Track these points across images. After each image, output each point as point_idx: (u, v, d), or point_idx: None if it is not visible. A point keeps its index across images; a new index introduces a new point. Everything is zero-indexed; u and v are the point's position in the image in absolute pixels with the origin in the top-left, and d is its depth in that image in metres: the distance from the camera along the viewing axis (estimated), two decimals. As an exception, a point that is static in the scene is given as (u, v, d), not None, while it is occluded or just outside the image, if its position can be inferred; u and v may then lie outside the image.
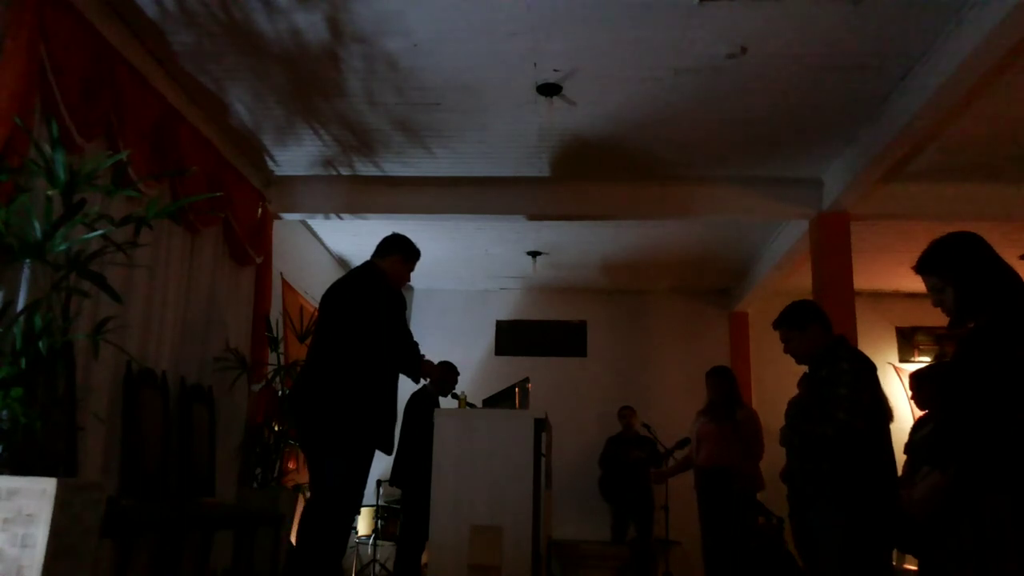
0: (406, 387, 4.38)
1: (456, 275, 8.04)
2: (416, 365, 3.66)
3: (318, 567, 3.29)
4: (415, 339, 3.76)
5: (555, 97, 4.41)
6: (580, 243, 6.99)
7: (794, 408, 3.35)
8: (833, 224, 5.43)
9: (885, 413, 3.17)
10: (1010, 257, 4.12)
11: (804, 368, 3.36)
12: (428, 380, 4.00)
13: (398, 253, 3.78)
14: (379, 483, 6.55)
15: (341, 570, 3.40)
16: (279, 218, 5.79)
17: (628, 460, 6.91)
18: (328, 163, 5.46)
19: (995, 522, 2.10)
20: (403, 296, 3.80)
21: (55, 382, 2.88)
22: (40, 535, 2.42)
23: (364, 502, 4.65)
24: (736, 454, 5.14)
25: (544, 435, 4.30)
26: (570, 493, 7.14)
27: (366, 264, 3.77)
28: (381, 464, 4.59)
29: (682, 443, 5.85)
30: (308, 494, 5.74)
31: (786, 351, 3.33)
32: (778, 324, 3.34)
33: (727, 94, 4.37)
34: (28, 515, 2.43)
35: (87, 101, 3.43)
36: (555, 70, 4.18)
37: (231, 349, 4.97)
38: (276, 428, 5.22)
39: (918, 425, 3.82)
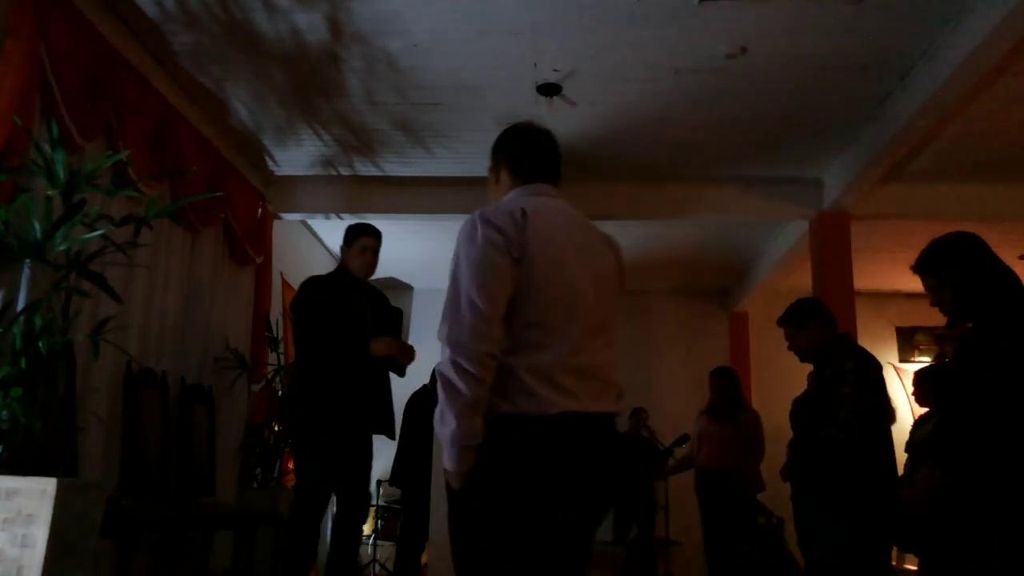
0: (405, 387, 4.38)
1: (456, 275, 8.03)
2: (360, 345, 3.39)
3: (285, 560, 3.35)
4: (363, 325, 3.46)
5: (555, 97, 4.41)
6: (580, 243, 6.98)
7: (797, 407, 3.36)
8: (833, 224, 5.43)
9: (888, 413, 3.17)
10: (1010, 257, 4.10)
11: (806, 368, 3.38)
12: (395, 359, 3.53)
13: (343, 241, 3.66)
14: (379, 483, 6.54)
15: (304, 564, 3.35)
16: (279, 218, 5.79)
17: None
18: (328, 163, 5.46)
19: (997, 528, 2.10)
20: (339, 285, 3.57)
21: (55, 382, 2.88)
22: (40, 535, 2.42)
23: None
24: (736, 455, 5.13)
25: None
26: (570, 493, 7.12)
27: None
28: (381, 464, 4.59)
29: (681, 440, 5.84)
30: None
31: (790, 348, 3.37)
32: (782, 321, 3.38)
33: (727, 94, 4.37)
34: (28, 515, 2.43)
35: (87, 101, 3.43)
36: (555, 70, 4.18)
37: (231, 349, 4.97)
38: (276, 428, 5.23)
39: (918, 424, 3.83)
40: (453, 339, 1.71)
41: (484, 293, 1.70)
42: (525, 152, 2.01)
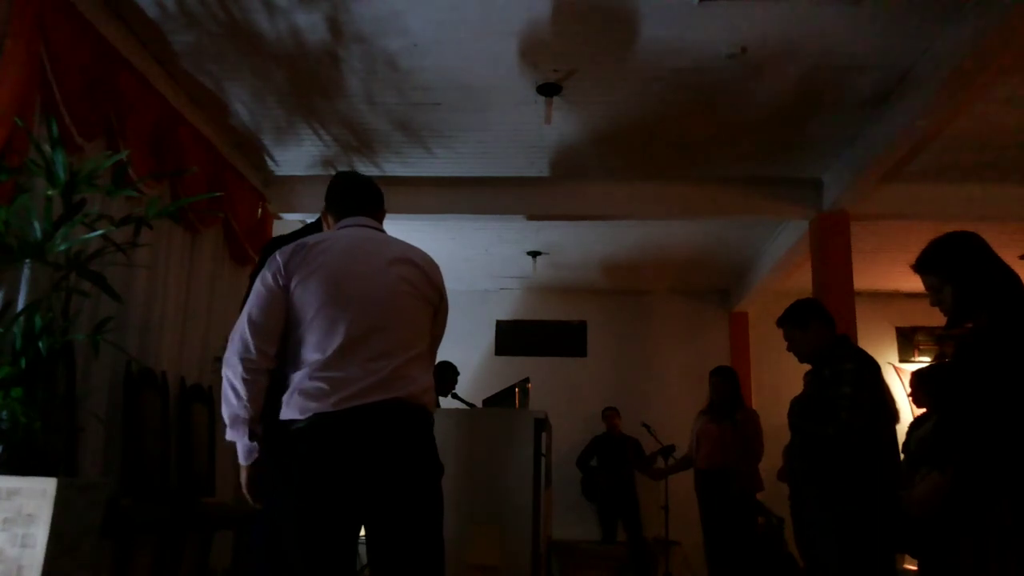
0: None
1: (456, 275, 8.04)
2: None
3: None
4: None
5: (555, 97, 4.41)
6: (580, 243, 6.99)
7: (796, 407, 3.36)
8: (833, 224, 5.43)
9: (890, 413, 3.17)
10: (1010, 257, 4.10)
11: (805, 368, 3.38)
12: None
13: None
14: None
15: None
16: (279, 218, 5.79)
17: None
18: (328, 163, 5.46)
19: (997, 530, 2.10)
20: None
21: (55, 382, 2.88)
22: (40, 535, 2.42)
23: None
24: (735, 455, 5.13)
25: (544, 435, 4.30)
26: (570, 493, 7.14)
27: None
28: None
29: (668, 449, 5.88)
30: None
31: (789, 349, 3.36)
32: (781, 322, 3.37)
33: (727, 94, 4.37)
34: (28, 515, 2.43)
35: (87, 101, 3.43)
36: (555, 70, 4.18)
37: (231, 349, 4.96)
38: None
39: (915, 424, 3.83)
40: (227, 355, 2.04)
41: (253, 319, 2.01)
42: (336, 196, 2.33)
